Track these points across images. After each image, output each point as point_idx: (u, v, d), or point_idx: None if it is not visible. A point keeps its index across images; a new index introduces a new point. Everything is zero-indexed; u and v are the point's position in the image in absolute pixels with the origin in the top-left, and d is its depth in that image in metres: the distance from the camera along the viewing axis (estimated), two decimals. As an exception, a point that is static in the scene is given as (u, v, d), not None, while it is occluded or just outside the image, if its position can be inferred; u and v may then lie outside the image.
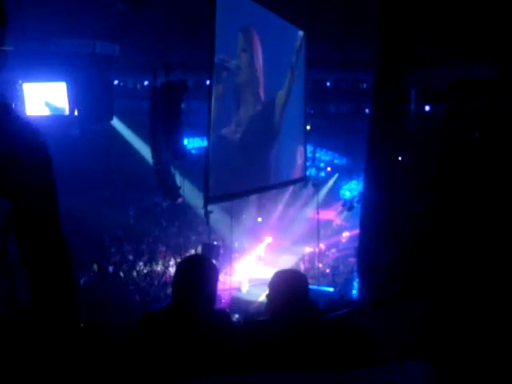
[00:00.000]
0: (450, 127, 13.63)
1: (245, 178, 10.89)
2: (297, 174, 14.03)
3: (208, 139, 9.38)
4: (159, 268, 18.34)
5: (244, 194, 11.86)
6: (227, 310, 11.39)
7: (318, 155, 25.51)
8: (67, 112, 13.94)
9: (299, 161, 13.97)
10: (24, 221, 1.52)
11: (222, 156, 9.91)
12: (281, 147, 12.56)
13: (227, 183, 10.19)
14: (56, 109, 14.04)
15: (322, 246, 20.68)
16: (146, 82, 21.11)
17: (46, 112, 14.14)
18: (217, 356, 2.48)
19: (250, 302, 16.47)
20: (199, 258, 3.16)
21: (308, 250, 21.85)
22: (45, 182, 1.55)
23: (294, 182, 14.98)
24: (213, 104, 9.34)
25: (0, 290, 1.56)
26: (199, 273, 2.77)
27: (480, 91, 13.77)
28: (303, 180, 15.06)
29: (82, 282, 15.75)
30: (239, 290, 17.87)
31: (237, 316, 11.96)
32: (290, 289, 2.88)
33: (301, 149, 14.07)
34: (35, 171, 1.52)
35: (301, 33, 12.60)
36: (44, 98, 14.03)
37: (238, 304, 16.26)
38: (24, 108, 14.54)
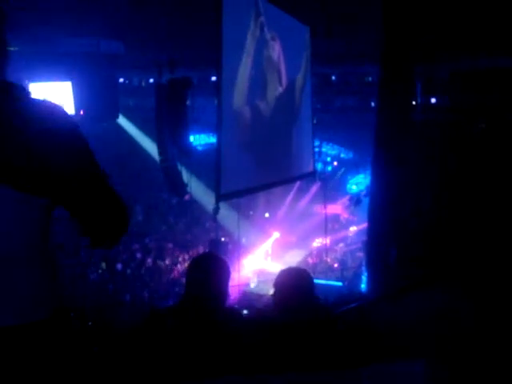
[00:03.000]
0: (457, 119, 13.57)
1: (259, 172, 10.83)
2: (309, 168, 14.05)
3: (219, 135, 9.33)
4: (167, 265, 18.37)
5: (257, 189, 11.78)
6: (236, 306, 11.41)
7: (324, 150, 25.46)
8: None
9: (310, 155, 13.99)
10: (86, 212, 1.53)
11: (235, 150, 9.84)
12: (298, 135, 12.61)
13: (240, 179, 10.13)
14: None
15: (327, 240, 20.65)
16: (151, 80, 21.11)
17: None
18: (227, 354, 2.48)
19: (258, 298, 16.48)
20: (212, 256, 3.17)
21: (316, 244, 21.83)
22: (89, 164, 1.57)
23: (305, 176, 14.95)
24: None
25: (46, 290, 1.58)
26: (211, 270, 2.77)
27: (485, 82, 13.71)
28: (313, 174, 15.05)
29: (90, 279, 15.83)
30: (248, 285, 17.88)
31: (245, 312, 11.96)
32: (295, 287, 2.88)
33: (311, 143, 14.10)
34: (78, 160, 1.52)
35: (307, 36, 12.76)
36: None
37: (246, 300, 16.28)
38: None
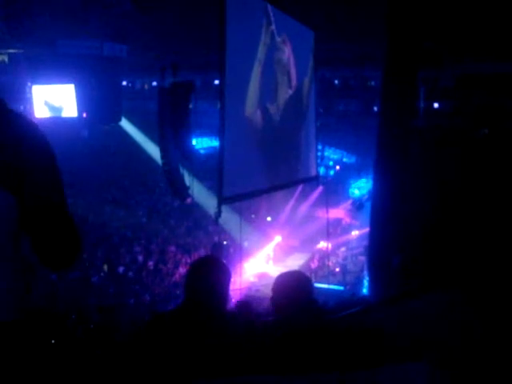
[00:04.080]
0: (459, 124, 13.56)
1: (262, 175, 10.80)
2: (312, 172, 14.04)
3: (221, 138, 9.31)
4: (169, 268, 18.38)
5: (259, 192, 11.72)
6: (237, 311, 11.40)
7: (326, 154, 25.47)
8: (64, 112, 14.05)
9: (313, 158, 14.01)
10: (33, 216, 1.56)
11: (240, 153, 9.82)
12: (304, 139, 12.62)
13: (242, 182, 10.09)
14: (53, 108, 14.13)
15: (329, 244, 20.65)
16: (154, 83, 21.17)
17: (53, 113, 14.26)
18: (226, 357, 2.48)
19: (260, 302, 16.47)
20: (212, 259, 3.16)
21: (318, 248, 21.85)
22: (50, 179, 1.60)
23: (308, 180, 14.92)
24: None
25: (14, 293, 1.57)
26: (212, 274, 2.77)
27: (488, 87, 13.71)
28: (316, 179, 15.03)
29: (92, 282, 15.83)
30: (249, 289, 17.88)
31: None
32: (293, 291, 2.88)
33: (315, 146, 14.13)
34: (40, 170, 1.57)
35: (312, 39, 12.81)
36: (50, 99, 14.13)
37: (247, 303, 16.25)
38: (33, 110, 14.63)
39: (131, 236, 20.09)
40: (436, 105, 16.08)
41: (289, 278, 3.00)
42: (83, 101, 13.80)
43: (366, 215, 16.38)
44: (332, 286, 16.38)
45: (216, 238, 19.72)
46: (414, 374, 2.16)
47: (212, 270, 2.80)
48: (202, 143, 23.16)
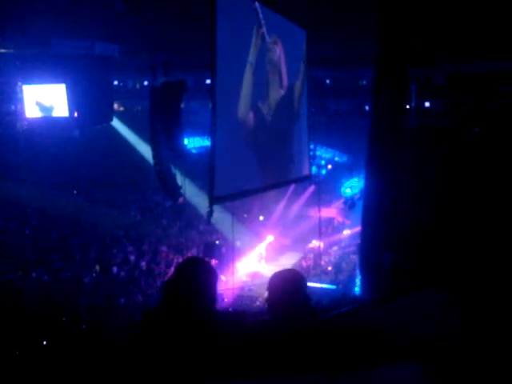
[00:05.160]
0: (450, 123, 13.60)
1: (255, 175, 10.77)
2: (304, 172, 14.03)
3: (212, 137, 9.28)
4: (161, 268, 18.35)
5: (252, 192, 11.67)
6: (230, 309, 11.39)
7: (318, 153, 25.50)
8: (55, 111, 14.00)
9: (306, 158, 14.01)
10: None
11: (232, 153, 9.79)
12: (297, 138, 12.62)
13: (234, 182, 10.05)
14: (44, 108, 14.08)
15: (321, 243, 20.68)
16: (145, 82, 21.12)
17: (44, 113, 14.20)
18: (219, 357, 2.47)
19: (252, 301, 16.49)
20: (198, 260, 3.17)
21: (310, 247, 21.88)
22: None
23: (300, 179, 14.91)
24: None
25: None
26: (199, 274, 2.78)
27: (480, 85, 13.77)
28: (308, 178, 15.02)
29: (84, 282, 15.78)
30: (242, 288, 17.88)
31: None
32: (288, 289, 2.89)
33: (307, 145, 14.14)
34: None
35: (304, 38, 12.82)
36: (41, 99, 14.07)
37: (240, 303, 16.28)
38: (24, 110, 14.55)
39: (123, 236, 20.04)
40: (427, 104, 16.14)
41: (283, 277, 3.01)
42: (74, 101, 13.73)
43: (357, 214, 16.41)
44: (324, 285, 16.40)
45: (208, 238, 19.72)
46: (410, 374, 2.16)
47: (199, 271, 2.81)
48: (194, 143, 23.14)
